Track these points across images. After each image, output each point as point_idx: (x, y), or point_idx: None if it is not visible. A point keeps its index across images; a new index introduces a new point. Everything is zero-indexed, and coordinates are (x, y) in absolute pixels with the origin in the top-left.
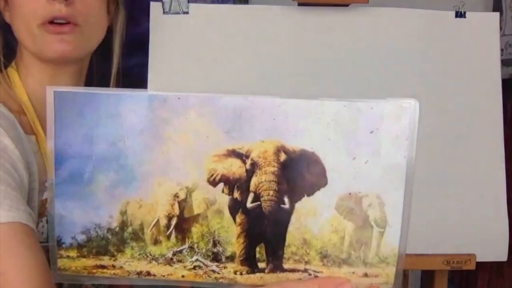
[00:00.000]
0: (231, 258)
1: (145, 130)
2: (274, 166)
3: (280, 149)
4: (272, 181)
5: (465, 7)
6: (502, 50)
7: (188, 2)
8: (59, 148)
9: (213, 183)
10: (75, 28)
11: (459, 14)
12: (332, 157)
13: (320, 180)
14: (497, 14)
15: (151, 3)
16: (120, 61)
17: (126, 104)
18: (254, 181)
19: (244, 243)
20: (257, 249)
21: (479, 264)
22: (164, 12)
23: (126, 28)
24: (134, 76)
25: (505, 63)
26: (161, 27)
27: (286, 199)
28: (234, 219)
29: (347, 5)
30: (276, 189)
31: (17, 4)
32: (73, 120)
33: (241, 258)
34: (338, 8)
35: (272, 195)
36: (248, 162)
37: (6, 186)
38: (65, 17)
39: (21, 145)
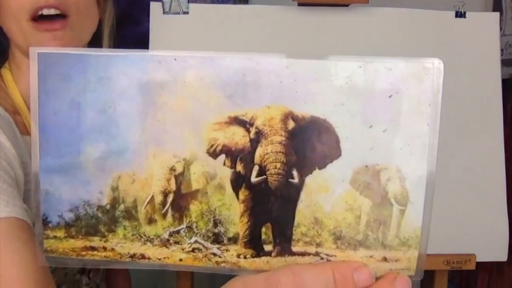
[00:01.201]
0: (233, 240)
1: (138, 95)
2: (281, 135)
3: (287, 116)
4: (279, 152)
5: (465, 7)
6: (502, 50)
7: (188, 2)
8: (44, 116)
9: (214, 154)
10: (66, 23)
11: (459, 14)
12: (346, 125)
13: (332, 151)
14: (497, 14)
15: (151, 3)
16: None
17: (117, 66)
18: (259, 152)
19: (248, 223)
20: (263, 229)
21: (479, 264)
22: (164, 12)
23: (126, 28)
24: None
25: (505, 63)
26: (161, 27)
27: (295, 173)
28: (237, 195)
29: (347, 5)
30: (284, 161)
31: (4, 2)
32: (59, 84)
33: (245, 240)
34: (338, 8)
35: (279, 168)
36: (253, 130)
37: (3, 183)
38: (53, 5)
39: (17, 144)
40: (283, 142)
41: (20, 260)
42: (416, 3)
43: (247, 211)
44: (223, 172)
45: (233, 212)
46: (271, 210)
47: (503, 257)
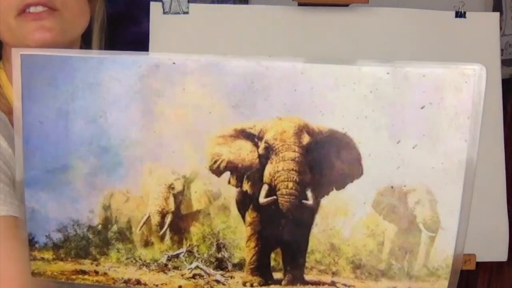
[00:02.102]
0: (239, 266)
1: (131, 103)
2: (294, 151)
3: (302, 129)
4: (292, 170)
5: (465, 7)
6: (502, 50)
7: (188, 2)
8: (28, 125)
9: (217, 171)
10: (54, 13)
11: (459, 14)
12: (370, 140)
13: (353, 170)
14: (497, 14)
15: (151, 3)
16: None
17: (108, 70)
18: (268, 169)
19: (256, 248)
20: (272, 255)
21: (479, 264)
22: (164, 12)
23: (126, 28)
24: None
25: (505, 63)
26: (161, 27)
27: (309, 194)
28: (243, 217)
29: (347, 5)
30: (297, 180)
31: None
32: (45, 90)
33: (252, 266)
34: (338, 8)
35: (291, 188)
36: (262, 145)
37: (0, 182)
38: (40, 2)
39: (14, 145)
40: (297, 159)
41: (18, 258)
42: (416, 3)
43: (255, 234)
44: (228, 191)
45: (239, 235)
46: (282, 234)
47: (503, 257)
